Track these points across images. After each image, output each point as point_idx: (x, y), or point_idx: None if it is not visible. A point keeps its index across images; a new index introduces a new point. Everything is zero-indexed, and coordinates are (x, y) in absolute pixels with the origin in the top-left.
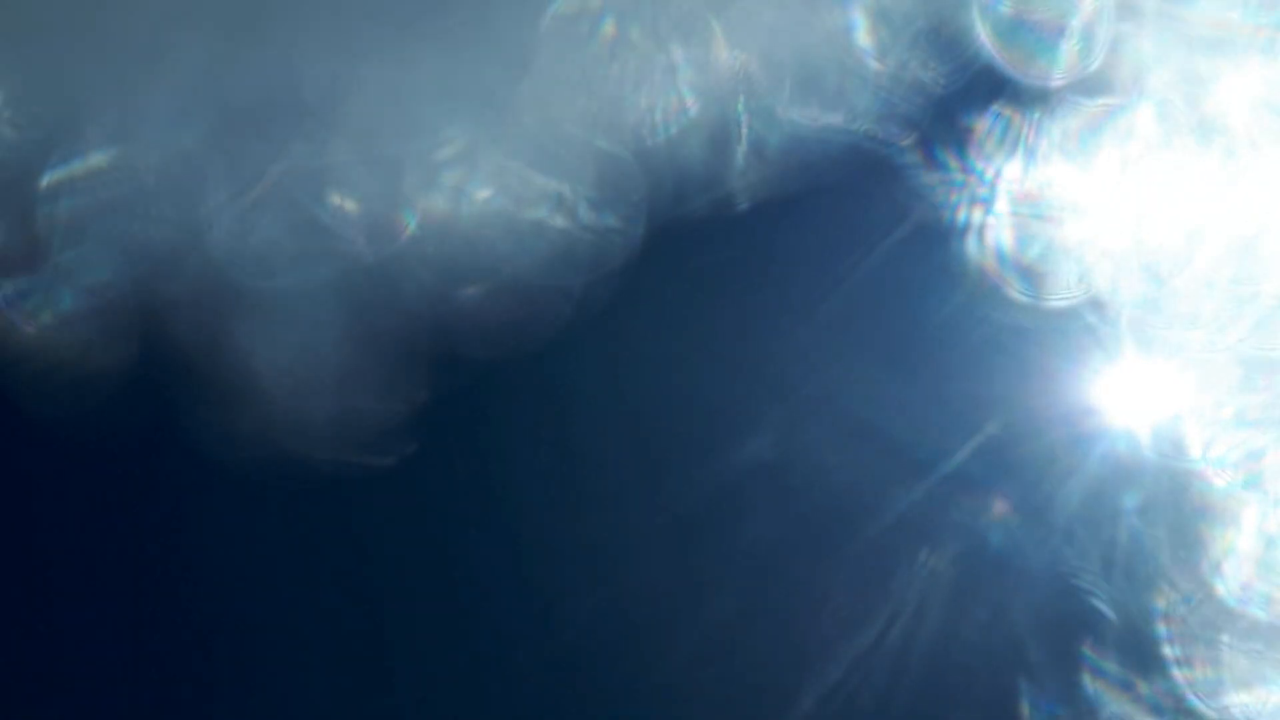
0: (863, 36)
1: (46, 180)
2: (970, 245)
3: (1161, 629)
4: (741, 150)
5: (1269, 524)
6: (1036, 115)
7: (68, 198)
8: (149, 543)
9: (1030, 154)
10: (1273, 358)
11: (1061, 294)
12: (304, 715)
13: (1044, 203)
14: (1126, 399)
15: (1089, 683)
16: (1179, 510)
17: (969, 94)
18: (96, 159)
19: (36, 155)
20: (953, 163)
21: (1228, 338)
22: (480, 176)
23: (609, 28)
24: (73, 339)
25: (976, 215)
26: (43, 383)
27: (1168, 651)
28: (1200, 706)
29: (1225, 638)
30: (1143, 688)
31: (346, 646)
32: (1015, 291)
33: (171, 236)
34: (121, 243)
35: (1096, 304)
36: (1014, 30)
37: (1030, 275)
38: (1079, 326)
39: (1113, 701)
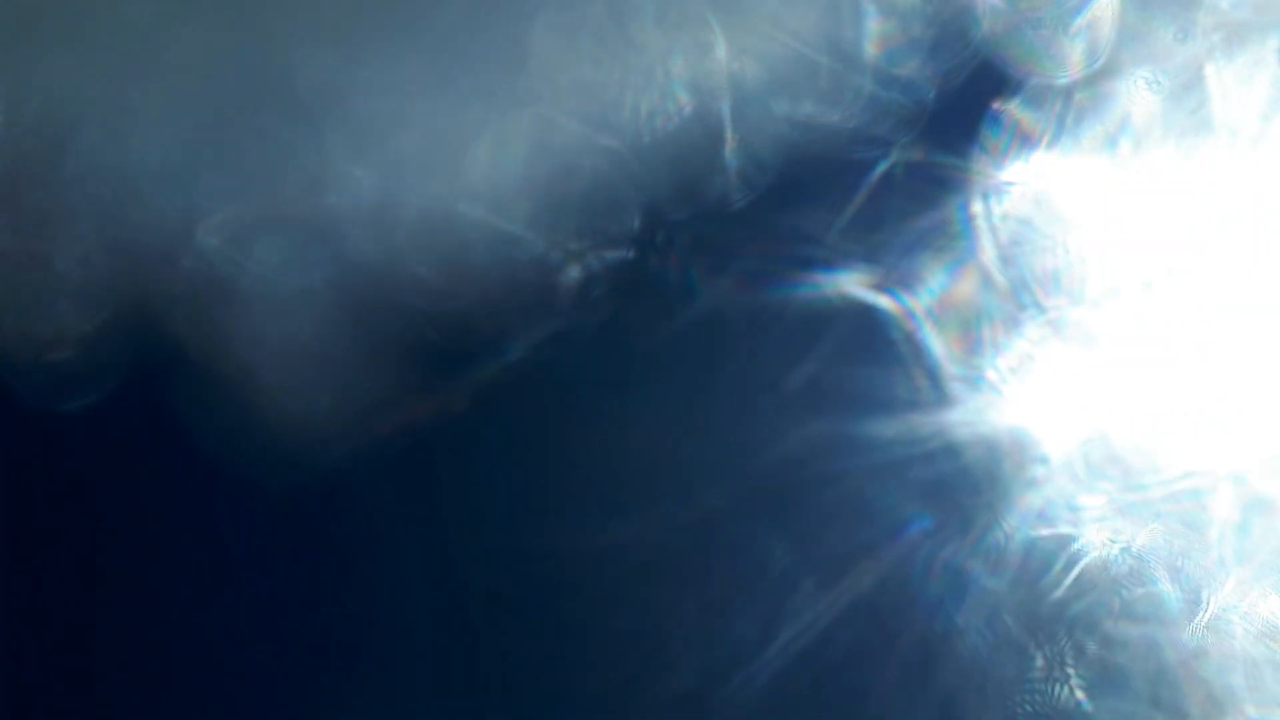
0: (862, 34)
1: (43, 179)
2: (970, 244)
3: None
4: (736, 150)
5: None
6: (1038, 113)
7: (64, 196)
8: (148, 541)
9: (1032, 153)
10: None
11: (1063, 292)
12: (302, 712)
13: (1046, 202)
14: (1127, 397)
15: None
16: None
17: (969, 92)
18: (93, 157)
19: (32, 153)
20: (953, 161)
21: (1229, 336)
22: (477, 173)
23: (605, 24)
24: (70, 338)
25: (977, 214)
26: (41, 381)
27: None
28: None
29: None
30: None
31: (343, 644)
32: (1016, 289)
33: (169, 234)
34: (119, 241)
35: (1098, 302)
36: (1015, 27)
37: (1031, 273)
38: (1081, 325)
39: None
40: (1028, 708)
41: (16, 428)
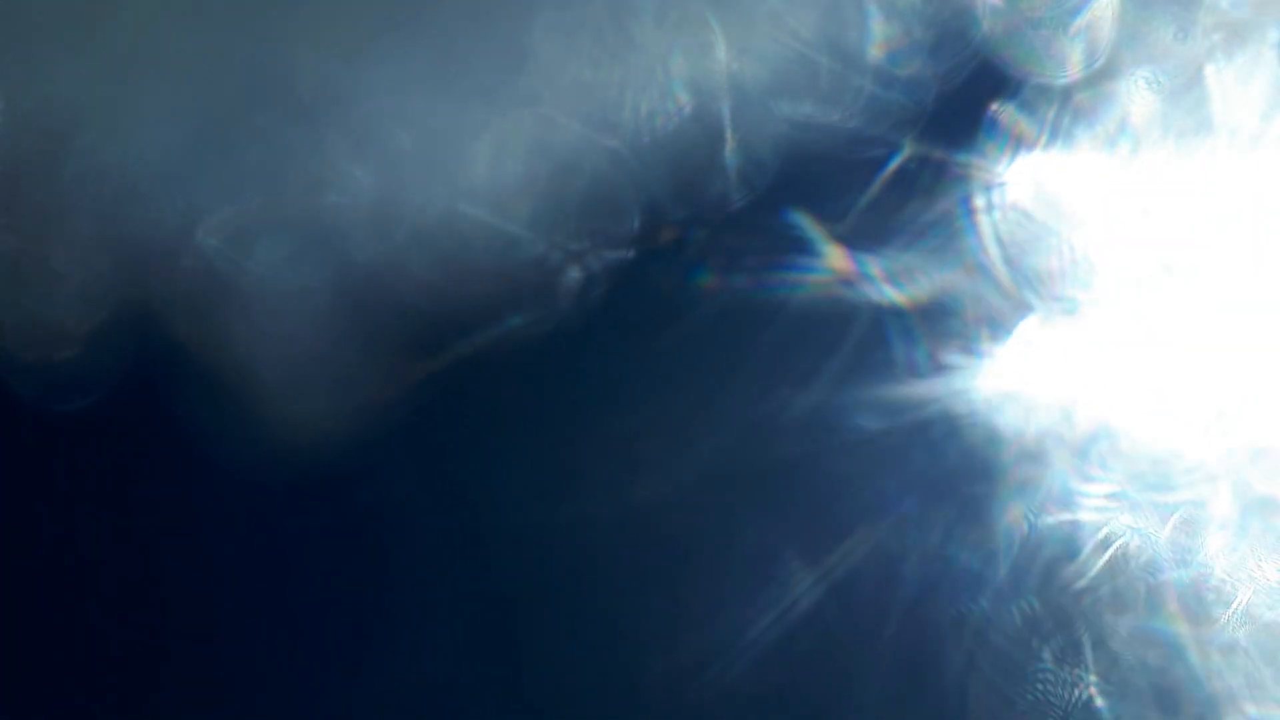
0: (862, 34)
1: (43, 178)
2: (972, 242)
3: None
4: (736, 150)
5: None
6: (1038, 113)
7: (64, 196)
8: (148, 540)
9: (1032, 152)
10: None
11: (1064, 290)
12: (300, 710)
13: (1046, 200)
14: (1130, 392)
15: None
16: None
17: (969, 92)
18: (93, 156)
19: (32, 153)
20: (953, 161)
21: (1230, 336)
22: (477, 173)
23: (605, 24)
24: (70, 338)
25: (978, 212)
26: (41, 381)
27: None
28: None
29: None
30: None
31: (339, 642)
32: (1018, 287)
33: (169, 234)
34: (119, 241)
35: (1099, 299)
36: (1015, 27)
37: (1033, 271)
38: (1082, 322)
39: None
40: (1027, 699)
41: (16, 428)
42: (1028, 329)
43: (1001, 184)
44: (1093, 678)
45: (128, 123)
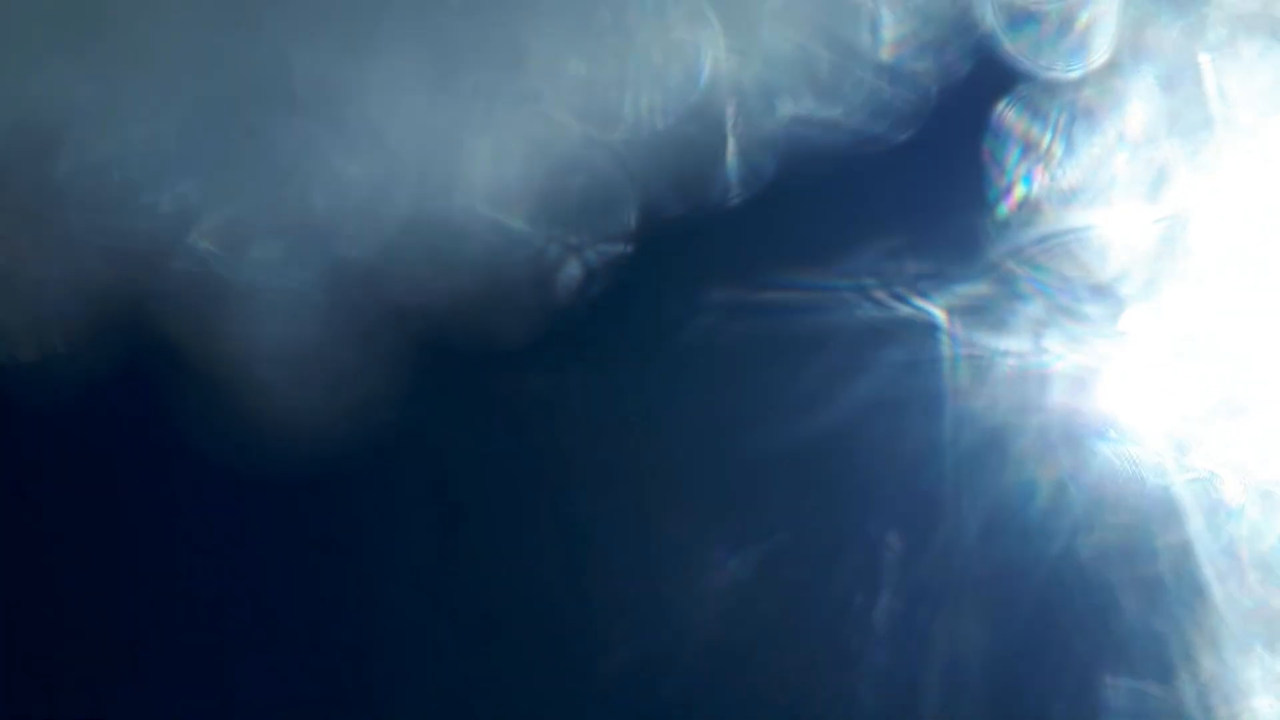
0: (865, 29)
1: (38, 178)
2: (974, 239)
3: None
4: (736, 146)
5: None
6: (1043, 108)
7: (59, 195)
8: (146, 541)
9: (1037, 148)
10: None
11: (1070, 285)
12: (298, 709)
13: (1050, 196)
14: (1129, 398)
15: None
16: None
17: (973, 87)
18: (87, 156)
19: (25, 152)
20: (956, 158)
21: (1229, 333)
22: (473, 172)
23: (604, 20)
24: (67, 338)
25: (981, 210)
26: (38, 380)
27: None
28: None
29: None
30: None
31: (336, 643)
32: (1023, 283)
33: (166, 233)
34: (116, 240)
35: (1103, 300)
36: (1020, 21)
37: (1038, 267)
38: (1081, 324)
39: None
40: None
41: (15, 428)
42: (1032, 323)
43: (1005, 181)
44: (1099, 665)
45: (123, 122)
